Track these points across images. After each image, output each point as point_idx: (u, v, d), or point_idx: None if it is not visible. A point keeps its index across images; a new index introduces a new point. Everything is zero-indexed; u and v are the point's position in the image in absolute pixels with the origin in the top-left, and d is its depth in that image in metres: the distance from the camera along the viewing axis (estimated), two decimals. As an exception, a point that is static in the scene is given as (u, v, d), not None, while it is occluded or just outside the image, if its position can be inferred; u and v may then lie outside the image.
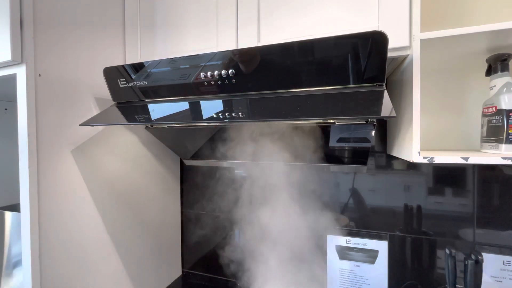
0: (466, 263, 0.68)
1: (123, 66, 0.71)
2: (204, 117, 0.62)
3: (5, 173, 1.07)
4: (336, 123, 0.67)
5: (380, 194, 0.91)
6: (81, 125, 0.71)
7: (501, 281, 0.77)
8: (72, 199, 0.74)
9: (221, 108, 0.63)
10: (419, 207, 0.87)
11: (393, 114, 0.45)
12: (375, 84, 0.53)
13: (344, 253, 0.94)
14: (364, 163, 0.87)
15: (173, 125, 0.84)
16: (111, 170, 0.86)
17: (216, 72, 0.61)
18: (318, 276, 0.97)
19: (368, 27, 0.62)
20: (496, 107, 0.61)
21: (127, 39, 0.89)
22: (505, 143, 0.58)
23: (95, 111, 0.80)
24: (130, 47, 0.89)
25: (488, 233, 0.80)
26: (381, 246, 0.90)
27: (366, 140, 0.73)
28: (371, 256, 0.91)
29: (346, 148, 0.82)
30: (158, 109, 0.70)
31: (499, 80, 0.63)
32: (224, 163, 1.08)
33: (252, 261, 1.07)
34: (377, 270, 0.90)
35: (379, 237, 0.91)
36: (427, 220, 0.86)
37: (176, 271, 1.18)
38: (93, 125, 0.74)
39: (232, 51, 0.59)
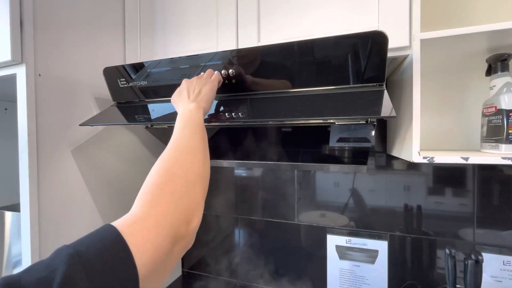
0: (466, 263, 0.68)
1: (123, 66, 0.71)
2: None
3: (5, 173, 1.07)
4: (336, 123, 0.66)
5: (380, 194, 0.91)
6: (81, 125, 0.71)
7: (501, 281, 0.77)
8: (72, 199, 0.74)
9: (221, 108, 0.63)
10: (419, 207, 0.87)
11: (393, 114, 0.45)
12: (375, 84, 0.53)
13: (344, 253, 0.94)
14: (364, 163, 0.87)
15: (173, 125, 0.83)
16: (111, 170, 0.86)
17: (216, 72, 0.61)
18: (318, 276, 0.97)
19: (368, 27, 0.62)
20: (496, 107, 0.61)
21: (127, 39, 0.89)
22: (505, 143, 0.58)
23: (95, 111, 0.80)
24: (130, 47, 0.89)
25: (488, 233, 0.80)
26: (381, 246, 0.90)
27: (366, 140, 0.73)
28: (371, 256, 0.91)
29: (346, 148, 0.82)
30: (158, 109, 0.70)
31: (499, 80, 0.63)
32: (224, 163, 1.08)
33: (252, 261, 1.07)
34: (377, 270, 0.90)
35: (379, 237, 0.91)
36: (427, 220, 0.86)
37: (176, 271, 1.17)
38: (93, 125, 0.74)
39: (232, 51, 0.60)
